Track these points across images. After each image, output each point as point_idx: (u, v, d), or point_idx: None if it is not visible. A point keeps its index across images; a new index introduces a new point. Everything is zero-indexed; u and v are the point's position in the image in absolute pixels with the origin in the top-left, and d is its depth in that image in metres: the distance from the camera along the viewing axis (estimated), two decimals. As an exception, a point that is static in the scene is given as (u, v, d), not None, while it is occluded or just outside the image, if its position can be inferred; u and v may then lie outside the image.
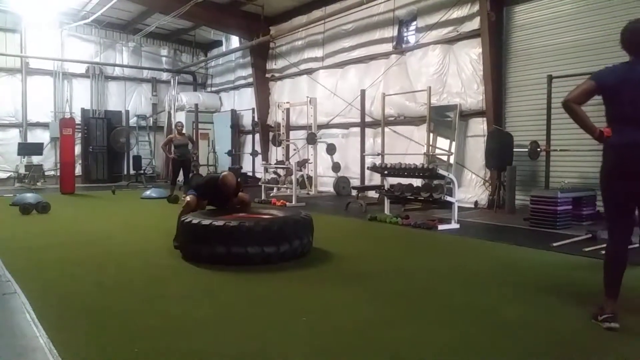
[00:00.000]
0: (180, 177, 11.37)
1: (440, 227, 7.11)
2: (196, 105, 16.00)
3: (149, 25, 16.42)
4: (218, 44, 18.70)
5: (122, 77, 18.02)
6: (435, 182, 8.18)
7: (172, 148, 10.96)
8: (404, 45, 11.52)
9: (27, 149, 15.31)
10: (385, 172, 8.32)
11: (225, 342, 2.92)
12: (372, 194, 10.82)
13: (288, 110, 13.21)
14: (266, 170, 11.71)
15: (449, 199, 7.36)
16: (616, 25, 7.81)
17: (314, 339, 2.97)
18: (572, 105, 3.20)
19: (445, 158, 10.14)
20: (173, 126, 13.08)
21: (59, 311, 3.47)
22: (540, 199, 7.14)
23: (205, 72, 19.81)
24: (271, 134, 14.45)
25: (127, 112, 17.62)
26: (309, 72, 14.09)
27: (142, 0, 14.51)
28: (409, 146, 10.98)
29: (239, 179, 5.91)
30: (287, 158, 12.72)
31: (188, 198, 5.79)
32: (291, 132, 13.53)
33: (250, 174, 15.23)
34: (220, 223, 4.69)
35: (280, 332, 3.07)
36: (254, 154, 15.67)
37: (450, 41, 10.27)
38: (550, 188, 7.91)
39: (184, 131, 11.56)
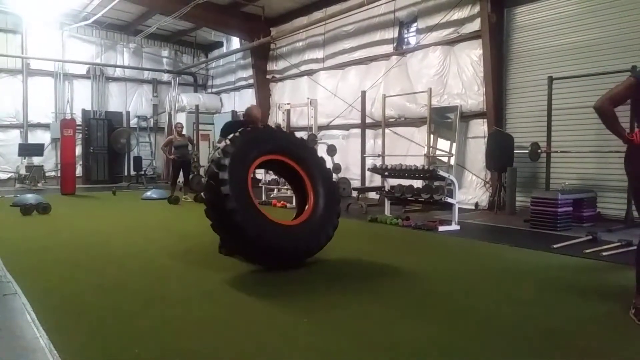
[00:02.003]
0: (181, 178, 11.38)
1: (441, 228, 7.11)
2: (197, 106, 16.00)
3: (149, 26, 16.45)
4: (219, 45, 18.72)
5: (123, 78, 18.04)
6: (436, 183, 8.18)
7: (172, 149, 10.98)
8: (404, 47, 11.52)
9: (28, 149, 15.32)
10: (386, 173, 8.33)
11: (225, 343, 2.92)
12: (373, 195, 10.83)
13: (289, 111, 13.21)
14: (267, 171, 11.70)
15: (449, 200, 7.36)
16: (616, 26, 7.85)
17: (313, 340, 2.97)
18: None
19: (445, 159, 10.15)
20: (173, 127, 13.09)
21: (59, 312, 3.47)
22: (540, 200, 7.14)
23: (206, 73, 19.83)
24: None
25: (128, 113, 17.65)
26: (309, 73, 14.09)
27: (142, 2, 14.53)
28: (410, 147, 10.98)
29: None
30: (288, 159, 12.69)
31: (219, 147, 5.55)
32: (292, 133, 13.52)
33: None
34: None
35: (280, 333, 3.07)
36: (254, 155, 15.65)
37: (450, 42, 10.28)
38: (551, 189, 7.91)
39: (183, 132, 11.58)
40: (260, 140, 4.91)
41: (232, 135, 4.78)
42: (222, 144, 4.74)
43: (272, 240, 4.37)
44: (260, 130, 5.08)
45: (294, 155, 5.10)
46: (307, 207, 4.98)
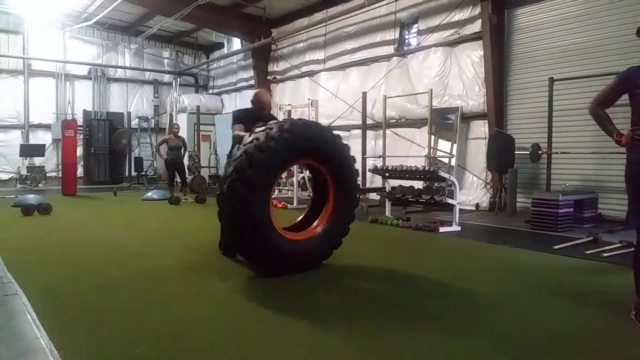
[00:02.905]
0: (177, 178, 11.39)
1: (442, 229, 7.11)
2: (198, 107, 16.04)
3: (151, 27, 16.48)
4: (220, 46, 18.75)
5: (124, 79, 18.08)
6: (437, 184, 8.18)
7: (166, 149, 10.93)
8: (405, 48, 11.53)
9: (29, 150, 15.35)
10: (387, 174, 8.32)
11: (225, 344, 2.92)
12: (374, 196, 10.82)
13: (289, 112, 13.21)
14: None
15: (450, 201, 7.36)
16: (617, 27, 7.84)
17: (314, 341, 2.96)
18: None
19: (446, 160, 10.14)
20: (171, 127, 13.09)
21: (59, 313, 3.47)
22: (541, 201, 7.14)
23: (207, 74, 19.86)
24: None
25: (129, 113, 17.65)
26: (310, 74, 14.10)
27: (144, 3, 14.56)
28: (411, 148, 10.98)
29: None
30: (288, 160, 12.66)
31: (239, 131, 4.85)
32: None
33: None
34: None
35: (280, 334, 3.07)
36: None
37: (451, 44, 10.28)
38: (552, 190, 7.91)
39: (180, 133, 11.55)
40: (293, 143, 4.19)
41: (263, 129, 4.13)
42: (246, 137, 4.19)
43: (282, 256, 4.32)
44: (296, 128, 4.26)
45: (327, 161, 4.54)
46: (323, 216, 4.73)
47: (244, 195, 3.99)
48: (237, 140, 4.69)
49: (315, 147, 4.40)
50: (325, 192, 4.73)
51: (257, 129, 4.20)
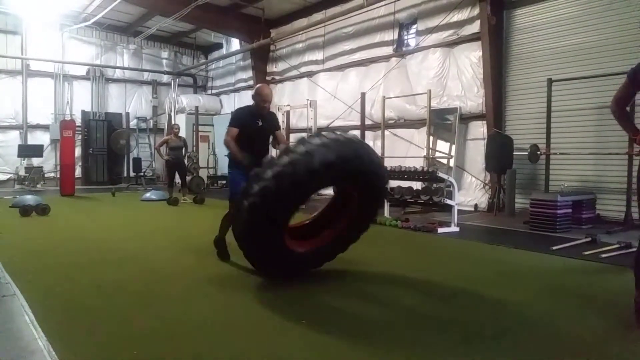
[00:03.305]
0: (178, 180, 11.37)
1: (440, 230, 7.11)
2: (196, 107, 16.02)
3: (149, 27, 16.47)
4: (219, 46, 18.74)
5: (123, 80, 18.05)
6: (435, 185, 8.18)
7: (167, 150, 10.93)
8: (404, 49, 11.54)
9: (27, 150, 15.30)
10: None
11: (224, 344, 2.92)
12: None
13: (288, 112, 13.20)
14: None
15: (448, 202, 7.36)
16: (615, 28, 7.86)
17: (312, 341, 2.96)
18: None
19: (445, 161, 10.14)
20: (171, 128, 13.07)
21: (58, 314, 3.46)
22: (540, 202, 7.14)
23: (205, 75, 19.84)
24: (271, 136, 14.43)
25: (128, 114, 17.63)
26: (309, 74, 14.10)
27: (142, 3, 14.55)
28: (409, 149, 10.98)
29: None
30: (287, 161, 12.65)
31: (230, 140, 4.87)
32: (291, 135, 13.52)
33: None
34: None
35: (278, 334, 3.07)
36: (254, 156, 15.63)
37: (450, 44, 10.29)
38: (550, 191, 7.91)
39: (180, 134, 11.54)
40: (331, 173, 3.80)
41: (303, 153, 3.69)
42: (281, 151, 3.89)
43: (290, 266, 4.30)
44: (337, 158, 3.76)
45: (360, 183, 4.22)
46: (339, 226, 4.58)
47: (264, 224, 3.83)
48: (228, 146, 4.85)
49: (353, 174, 4.03)
50: (348, 205, 4.54)
51: (297, 149, 3.73)
